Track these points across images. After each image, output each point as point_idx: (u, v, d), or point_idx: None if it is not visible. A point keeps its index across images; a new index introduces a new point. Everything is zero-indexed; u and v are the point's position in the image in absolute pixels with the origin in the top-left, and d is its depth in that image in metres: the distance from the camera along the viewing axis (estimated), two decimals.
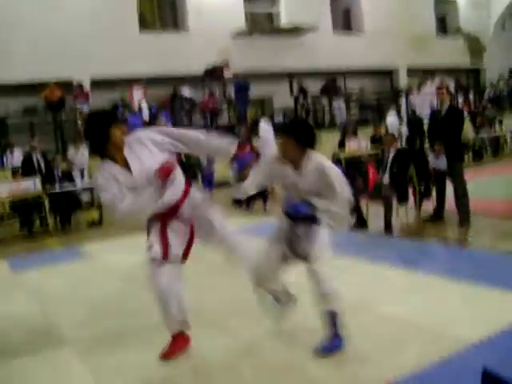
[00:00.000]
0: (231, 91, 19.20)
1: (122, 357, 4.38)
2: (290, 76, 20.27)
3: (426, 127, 10.33)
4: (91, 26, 17.54)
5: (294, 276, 4.44)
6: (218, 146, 4.28)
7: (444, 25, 26.94)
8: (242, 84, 18.47)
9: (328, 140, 17.93)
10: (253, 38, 20.82)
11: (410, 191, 8.80)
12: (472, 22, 26.37)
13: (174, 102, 18.12)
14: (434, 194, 8.83)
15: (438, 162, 8.33)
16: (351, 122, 18.16)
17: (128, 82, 17.49)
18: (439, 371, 3.65)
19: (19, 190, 10.91)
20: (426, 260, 6.60)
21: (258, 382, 3.80)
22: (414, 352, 3.95)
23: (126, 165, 4.03)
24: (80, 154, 14.06)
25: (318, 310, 4.09)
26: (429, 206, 8.98)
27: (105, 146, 4.01)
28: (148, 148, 4.08)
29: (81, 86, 17.08)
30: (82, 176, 13.79)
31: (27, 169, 11.89)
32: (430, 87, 20.88)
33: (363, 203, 8.67)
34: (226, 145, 4.26)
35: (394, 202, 8.38)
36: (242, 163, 6.64)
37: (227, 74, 18.73)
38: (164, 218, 4.19)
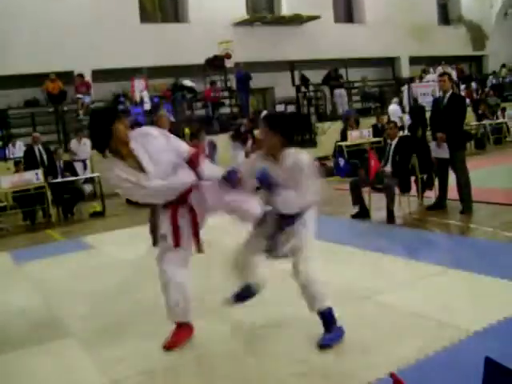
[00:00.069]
0: (233, 81, 19.16)
1: (125, 347, 4.40)
2: (291, 66, 20.19)
3: (428, 115, 10.32)
4: (92, 17, 17.50)
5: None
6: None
7: (446, 13, 26.79)
8: (244, 74, 18.42)
9: (330, 130, 18.06)
10: (254, 28, 20.77)
11: (412, 180, 8.79)
12: (474, 11, 26.25)
13: (175, 92, 18.09)
14: (436, 183, 8.83)
15: (440, 150, 8.31)
16: (353, 112, 18.14)
17: (129, 73, 17.45)
18: (441, 360, 3.66)
19: (21, 182, 10.92)
20: (428, 249, 6.62)
21: (260, 370, 3.81)
22: (416, 341, 3.95)
23: (134, 160, 4.03)
24: (82, 145, 14.08)
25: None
26: (431, 195, 8.98)
27: (108, 143, 4.01)
28: (156, 140, 4.09)
29: (82, 77, 17.05)
30: (85, 167, 13.84)
31: (29, 160, 11.90)
32: (432, 76, 20.85)
33: (365, 193, 8.65)
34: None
35: (397, 192, 8.37)
36: None
37: (228, 63, 18.69)
38: (175, 205, 4.18)
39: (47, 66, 16.38)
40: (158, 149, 4.05)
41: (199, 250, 4.31)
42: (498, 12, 26.57)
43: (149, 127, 4.34)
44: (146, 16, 19.60)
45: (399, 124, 12.95)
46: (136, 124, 10.32)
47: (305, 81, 20.25)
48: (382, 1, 23.27)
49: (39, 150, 12.10)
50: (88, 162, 14.10)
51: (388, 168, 8.55)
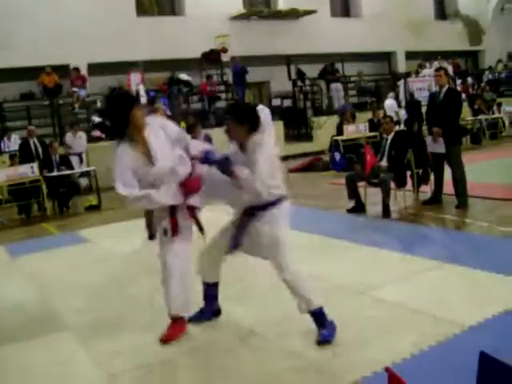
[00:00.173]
0: (229, 75, 19.12)
1: (122, 341, 4.40)
2: (287, 60, 20.17)
3: (424, 110, 10.33)
4: (88, 10, 17.41)
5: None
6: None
7: (442, 8, 26.76)
8: (240, 68, 18.39)
9: (326, 124, 18.06)
10: (250, 22, 20.71)
11: (408, 175, 8.81)
12: (471, 6, 26.23)
13: (171, 86, 18.05)
14: (431, 178, 8.84)
15: (435, 145, 8.32)
16: (349, 107, 18.14)
17: (125, 67, 17.40)
18: (436, 355, 3.67)
19: (17, 175, 10.89)
20: (424, 244, 6.63)
21: (257, 364, 3.82)
22: (411, 336, 3.97)
23: (145, 147, 4.04)
24: (77, 139, 14.05)
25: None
26: (426, 189, 9.00)
27: (126, 129, 4.01)
28: (164, 139, 4.12)
29: (78, 71, 17.00)
30: (81, 161, 13.81)
31: (25, 154, 11.87)
32: (428, 71, 20.85)
33: (361, 187, 8.66)
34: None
35: (392, 186, 8.38)
36: None
37: (225, 57, 18.66)
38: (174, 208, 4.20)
39: (43, 60, 16.31)
40: (169, 138, 4.13)
41: (200, 230, 4.35)
42: (495, 7, 26.55)
43: (164, 121, 4.33)
44: (142, 9, 19.52)
45: (395, 119, 12.96)
46: None
47: (301, 75, 20.23)
48: None
49: (34, 143, 12.08)
50: (84, 156, 14.08)
51: (384, 162, 8.56)
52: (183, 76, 18.42)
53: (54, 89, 16.51)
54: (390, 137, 8.65)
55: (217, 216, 4.57)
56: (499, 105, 19.40)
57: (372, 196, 8.76)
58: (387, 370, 2.34)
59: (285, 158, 16.01)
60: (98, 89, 17.23)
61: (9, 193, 11.40)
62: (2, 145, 14.51)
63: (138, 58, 17.92)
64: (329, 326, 4.09)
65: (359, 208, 8.56)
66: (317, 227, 7.68)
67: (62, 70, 16.89)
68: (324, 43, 21.36)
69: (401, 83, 20.75)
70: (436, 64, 20.57)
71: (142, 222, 7.69)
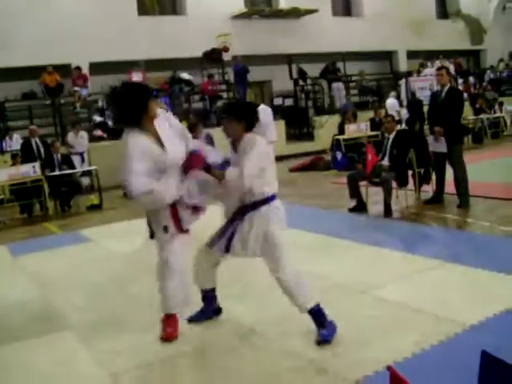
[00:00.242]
0: (230, 74, 19.12)
1: (123, 340, 4.41)
2: (289, 59, 20.18)
3: (425, 109, 10.32)
4: (90, 9, 17.45)
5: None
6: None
7: (444, 7, 26.75)
8: (241, 67, 18.39)
9: (328, 123, 18.06)
10: (252, 21, 20.72)
11: (410, 174, 8.80)
12: (472, 5, 26.21)
13: (172, 85, 18.06)
14: (433, 177, 8.84)
15: (437, 144, 8.31)
16: (351, 106, 18.13)
17: (127, 66, 17.41)
18: (438, 354, 3.67)
19: (19, 175, 10.90)
20: (425, 243, 6.62)
21: (257, 363, 3.82)
22: (413, 335, 3.97)
23: (157, 138, 4.07)
24: (79, 138, 14.05)
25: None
26: (428, 189, 9.00)
27: (141, 118, 4.02)
28: (170, 130, 4.17)
29: (79, 70, 17.01)
30: (82, 160, 13.81)
31: (26, 153, 11.89)
32: (430, 70, 20.84)
33: (363, 187, 8.66)
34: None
35: (394, 186, 8.38)
36: None
37: (226, 57, 18.65)
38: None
39: (44, 59, 16.34)
40: (176, 132, 4.21)
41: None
42: (497, 6, 26.53)
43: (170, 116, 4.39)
44: (143, 9, 19.54)
45: (397, 118, 12.94)
46: None
47: (302, 74, 20.24)
48: None
49: (36, 142, 12.09)
50: (85, 155, 14.09)
51: (385, 162, 8.56)
52: (184, 75, 18.43)
53: (56, 88, 16.53)
54: (392, 136, 8.65)
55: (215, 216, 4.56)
56: (501, 104, 19.39)
57: (373, 195, 8.76)
58: (389, 369, 2.34)
59: (286, 157, 16.09)
60: (100, 88, 17.23)
61: (11, 192, 11.42)
62: (4, 144, 14.52)
63: (140, 57, 17.95)
64: (328, 326, 4.08)
65: (361, 207, 8.56)
66: (318, 226, 7.68)
67: (64, 70, 16.91)
68: (325, 42, 21.37)
69: (402, 82, 20.74)
70: (437, 63, 20.56)
71: (143, 222, 7.68)
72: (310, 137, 19.21)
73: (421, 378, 3.31)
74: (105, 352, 4.23)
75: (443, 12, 26.62)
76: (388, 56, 24.58)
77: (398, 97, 19.67)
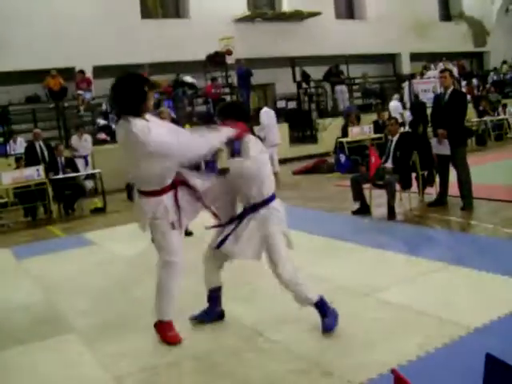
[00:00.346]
0: (234, 77, 19.14)
1: (127, 343, 4.41)
2: (292, 62, 20.19)
3: (429, 112, 10.32)
4: (93, 13, 17.48)
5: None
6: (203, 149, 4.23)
7: (447, 9, 26.74)
8: (245, 70, 18.40)
9: (331, 126, 18.06)
10: (255, 24, 20.74)
11: (413, 177, 8.80)
12: (475, 7, 26.20)
13: (176, 88, 18.07)
14: (437, 179, 8.83)
15: (440, 147, 8.31)
16: (354, 108, 18.13)
17: (130, 69, 17.34)
18: (442, 357, 3.67)
19: (23, 178, 10.93)
20: (429, 245, 6.62)
21: (262, 366, 3.81)
22: (417, 338, 3.96)
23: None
24: (83, 141, 14.09)
25: None
26: (432, 191, 8.99)
27: (141, 106, 4.04)
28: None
29: (83, 73, 17.04)
30: (86, 163, 13.85)
31: (30, 157, 11.90)
32: (433, 72, 20.83)
33: (366, 189, 8.65)
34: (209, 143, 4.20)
35: (397, 188, 8.38)
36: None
37: (229, 60, 18.67)
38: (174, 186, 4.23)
39: (48, 62, 16.38)
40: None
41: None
42: (500, 8, 26.53)
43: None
44: (146, 12, 19.57)
45: (400, 120, 12.95)
46: None
47: (306, 77, 20.24)
48: None
49: (40, 146, 12.11)
50: (89, 158, 14.12)
51: (389, 164, 8.56)
52: (188, 78, 18.45)
53: (60, 92, 16.57)
54: (395, 138, 8.65)
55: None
56: (504, 106, 19.38)
57: (377, 198, 8.75)
58: (393, 372, 2.34)
59: (290, 160, 16.09)
60: (103, 91, 17.22)
61: (15, 195, 11.44)
62: (8, 148, 14.55)
63: (143, 60, 17.94)
64: (330, 314, 4.23)
65: (364, 210, 8.55)
66: (322, 229, 7.68)
67: (68, 73, 16.95)
68: (328, 45, 21.37)
69: (405, 85, 20.72)
70: (441, 65, 20.58)
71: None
72: (313, 139, 19.21)
73: (425, 380, 3.31)
74: (109, 355, 4.24)
75: (446, 14, 26.61)
76: (391, 58, 24.58)
77: (402, 99, 19.66)
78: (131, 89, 4.06)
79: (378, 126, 14.70)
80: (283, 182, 11.53)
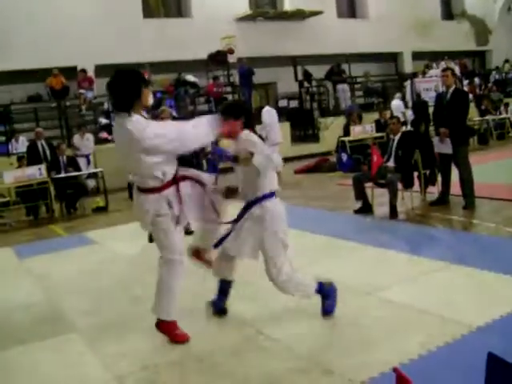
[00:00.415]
0: (235, 76, 19.14)
1: (129, 343, 4.41)
2: (294, 61, 20.18)
3: (431, 111, 10.30)
4: (95, 12, 17.49)
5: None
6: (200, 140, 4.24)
7: (449, 8, 26.70)
8: (247, 69, 18.40)
9: (333, 125, 18.05)
10: (257, 23, 20.73)
11: (415, 176, 8.79)
12: (477, 6, 26.16)
13: (178, 87, 18.08)
14: (439, 178, 8.83)
15: (442, 146, 8.30)
16: (356, 107, 18.12)
17: (132, 68, 17.41)
18: (444, 356, 3.66)
19: (25, 177, 10.94)
20: (431, 245, 6.61)
21: (263, 365, 3.81)
22: (419, 337, 3.96)
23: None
24: (85, 141, 14.10)
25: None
26: (434, 190, 8.98)
27: (134, 102, 4.03)
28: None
29: (85, 72, 17.05)
30: (88, 162, 13.86)
31: (32, 156, 11.92)
32: (435, 71, 20.80)
33: (368, 188, 8.65)
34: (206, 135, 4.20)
35: (399, 187, 8.37)
36: None
37: (231, 59, 18.67)
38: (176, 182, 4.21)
39: (50, 62, 16.38)
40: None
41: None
42: (502, 7, 26.48)
43: None
44: (148, 11, 19.57)
45: (402, 119, 12.93)
46: None
47: (307, 76, 20.23)
48: None
49: (42, 145, 12.12)
50: (91, 157, 14.13)
51: (391, 163, 8.55)
52: (190, 77, 18.45)
53: (61, 91, 16.57)
54: (397, 137, 8.64)
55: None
56: (506, 105, 19.35)
57: (379, 197, 8.75)
58: (395, 370, 2.34)
59: (291, 159, 16.08)
60: (105, 90, 17.22)
61: (17, 194, 11.45)
62: (10, 147, 14.56)
63: (145, 59, 17.95)
64: (331, 294, 4.46)
65: (366, 209, 8.55)
66: (323, 228, 7.68)
67: (69, 72, 16.94)
68: (330, 44, 21.36)
69: (407, 84, 20.70)
70: (443, 64, 20.54)
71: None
72: (315, 138, 19.20)
73: (427, 379, 3.31)
74: (110, 354, 4.24)
75: (448, 13, 26.58)
76: (393, 57, 24.55)
77: (403, 98, 19.64)
78: (124, 84, 4.06)
79: (380, 125, 14.68)
80: (285, 181, 11.51)
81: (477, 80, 23.26)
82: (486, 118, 18.09)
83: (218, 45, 18.44)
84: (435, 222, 7.72)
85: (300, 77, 20.19)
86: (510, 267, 5.16)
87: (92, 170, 13.14)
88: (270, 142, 10.83)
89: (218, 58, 18.61)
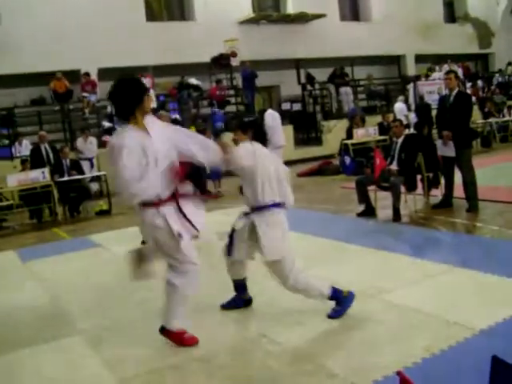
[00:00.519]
0: (238, 79, 19.16)
1: (133, 345, 4.41)
2: (297, 64, 20.21)
3: (434, 113, 10.30)
4: (98, 15, 17.53)
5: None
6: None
7: (452, 11, 26.72)
8: (250, 72, 18.42)
9: (336, 128, 18.06)
10: (260, 26, 20.76)
11: (418, 179, 8.78)
12: (480, 8, 26.18)
13: (181, 90, 18.11)
14: (442, 181, 8.82)
15: (446, 148, 8.30)
16: (359, 110, 18.13)
17: (135, 72, 17.45)
18: (448, 359, 3.65)
19: (28, 180, 10.97)
20: (434, 247, 6.59)
21: (268, 368, 3.81)
22: (423, 340, 3.95)
23: (146, 131, 4.07)
24: (88, 144, 14.13)
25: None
26: (437, 193, 8.97)
27: (135, 110, 4.04)
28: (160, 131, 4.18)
29: (88, 76, 17.09)
30: (91, 166, 13.88)
31: (36, 159, 11.95)
32: (438, 74, 20.81)
33: (371, 191, 8.64)
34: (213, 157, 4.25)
35: (402, 190, 8.36)
36: None
37: (234, 62, 18.69)
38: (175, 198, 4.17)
39: (53, 65, 16.44)
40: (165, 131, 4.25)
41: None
42: (505, 10, 26.49)
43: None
44: (151, 14, 19.63)
45: (405, 122, 12.94)
46: None
47: (310, 79, 20.26)
48: None
49: (45, 148, 12.15)
50: (94, 161, 14.15)
51: (394, 166, 8.54)
52: (193, 80, 18.48)
53: (65, 94, 16.63)
54: (400, 140, 8.63)
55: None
56: (509, 108, 19.35)
57: (382, 200, 8.74)
58: (399, 374, 2.34)
59: (294, 162, 16.09)
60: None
61: (20, 198, 11.48)
62: (14, 150, 14.60)
63: (148, 62, 18.01)
64: (343, 302, 4.51)
65: (369, 212, 8.54)
66: (327, 231, 7.67)
67: (73, 76, 17.00)
68: (333, 47, 21.38)
69: (410, 86, 20.71)
70: (446, 67, 20.56)
71: None
72: (318, 141, 19.22)
73: (431, 382, 3.30)
74: (114, 357, 4.24)
75: (451, 16, 26.59)
76: (396, 60, 24.56)
77: (406, 101, 19.65)
78: (125, 93, 4.06)
79: (383, 128, 14.69)
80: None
81: (480, 83, 23.26)
82: (489, 120, 18.10)
83: (221, 48, 18.47)
84: (438, 225, 7.71)
85: (303, 80, 20.22)
86: None
87: (95, 174, 13.17)
88: (272, 145, 10.80)
89: (221, 61, 18.65)
